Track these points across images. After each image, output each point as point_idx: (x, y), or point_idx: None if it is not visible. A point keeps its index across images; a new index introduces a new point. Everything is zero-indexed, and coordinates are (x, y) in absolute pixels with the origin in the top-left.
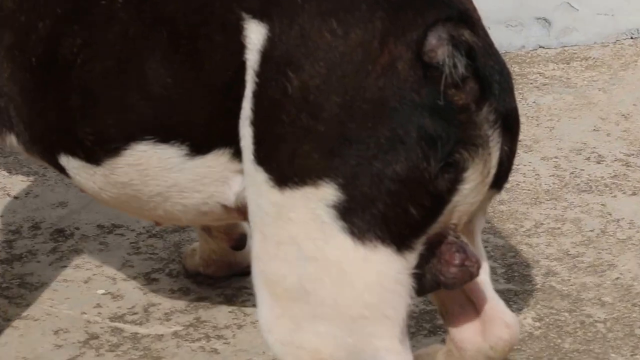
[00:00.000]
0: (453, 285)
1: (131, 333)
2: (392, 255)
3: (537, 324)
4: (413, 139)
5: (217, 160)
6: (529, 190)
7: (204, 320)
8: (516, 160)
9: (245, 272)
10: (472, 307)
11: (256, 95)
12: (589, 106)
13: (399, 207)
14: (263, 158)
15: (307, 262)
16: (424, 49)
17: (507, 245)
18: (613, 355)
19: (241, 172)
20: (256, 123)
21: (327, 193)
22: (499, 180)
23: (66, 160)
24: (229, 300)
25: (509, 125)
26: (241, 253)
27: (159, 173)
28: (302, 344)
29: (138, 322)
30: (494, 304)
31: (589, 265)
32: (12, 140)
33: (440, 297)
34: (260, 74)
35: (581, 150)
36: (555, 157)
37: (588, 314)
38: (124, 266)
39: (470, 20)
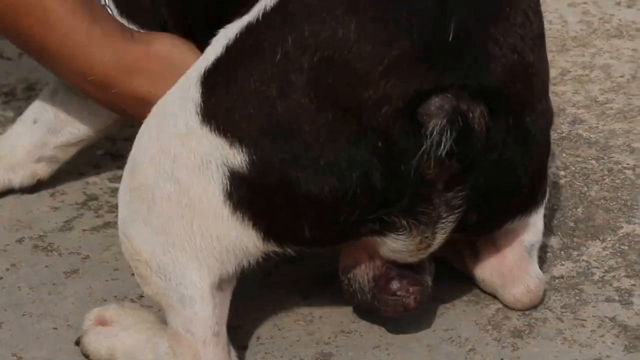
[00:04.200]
0: (386, 314)
1: None
2: (254, 236)
3: (563, 172)
4: (355, 180)
5: None
6: (555, 37)
7: None
8: (542, 7)
9: None
10: (501, 256)
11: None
12: None
13: (290, 220)
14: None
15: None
16: (422, 107)
17: None
18: None
19: None
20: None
21: (232, 157)
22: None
23: None
24: None
25: (494, 204)
26: None
27: None
28: (131, 237)
29: None
30: (523, 265)
31: (618, 111)
32: None
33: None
34: None
35: None
36: (584, 3)
37: (616, 161)
38: (125, 126)
39: (504, 95)
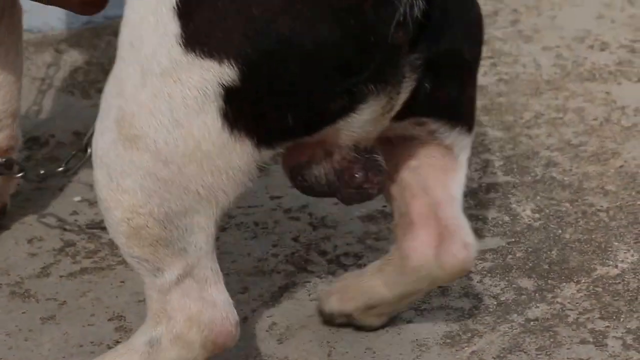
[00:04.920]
0: (349, 203)
1: (109, 240)
2: (250, 149)
3: (537, 215)
4: (328, 55)
5: None
6: (529, 81)
7: None
8: (515, 51)
9: None
10: (433, 217)
11: None
12: None
13: (279, 111)
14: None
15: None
16: None
17: (505, 138)
18: (616, 243)
19: None
20: None
21: (226, 73)
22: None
23: None
24: None
25: (446, 68)
26: None
27: None
28: (128, 190)
29: None
30: (459, 222)
31: (592, 154)
32: None
33: (397, 200)
34: None
35: (584, 38)
36: (557, 46)
37: (590, 204)
38: None
39: None
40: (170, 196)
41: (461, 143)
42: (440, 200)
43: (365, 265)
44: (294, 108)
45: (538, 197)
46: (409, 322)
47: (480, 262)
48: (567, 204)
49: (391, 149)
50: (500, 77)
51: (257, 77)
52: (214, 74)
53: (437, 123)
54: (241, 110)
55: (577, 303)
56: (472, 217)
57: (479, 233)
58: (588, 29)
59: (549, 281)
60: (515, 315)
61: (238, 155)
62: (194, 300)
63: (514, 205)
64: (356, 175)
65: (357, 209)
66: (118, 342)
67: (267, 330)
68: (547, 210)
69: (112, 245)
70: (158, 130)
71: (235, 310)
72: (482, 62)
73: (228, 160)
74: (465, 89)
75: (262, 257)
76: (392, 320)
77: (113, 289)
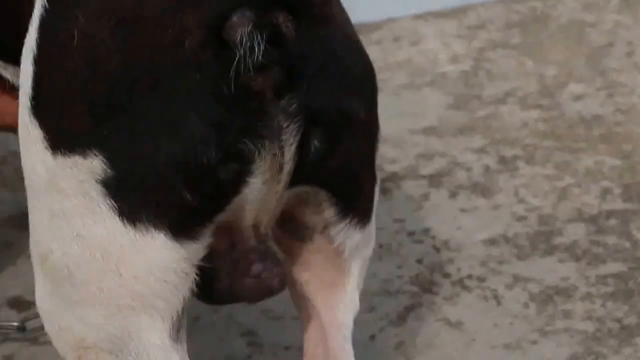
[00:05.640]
0: (250, 299)
1: None
2: (166, 242)
3: None
4: (193, 121)
5: None
6: None
7: None
8: (631, 82)
9: None
10: (322, 347)
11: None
12: None
13: (172, 191)
14: (39, 111)
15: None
16: (225, 25)
17: (624, 166)
18: None
19: None
20: (39, 62)
21: (95, 166)
22: (325, 178)
23: None
24: None
25: (332, 125)
26: None
27: None
28: (67, 327)
29: None
30: (342, 354)
31: None
32: None
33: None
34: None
35: None
36: None
37: None
38: None
39: (302, 6)
40: (106, 320)
41: (352, 242)
42: (327, 327)
43: (488, 288)
44: (186, 184)
45: None
46: (534, 343)
47: (602, 286)
48: None
49: (288, 258)
50: (617, 107)
51: (127, 159)
52: (85, 171)
53: (330, 201)
54: (133, 201)
55: None
56: (593, 243)
57: (600, 258)
58: None
59: None
60: (639, 339)
61: (156, 253)
62: None
63: (634, 232)
64: (255, 263)
65: (480, 233)
66: (250, 357)
67: (394, 349)
68: None
69: None
70: (65, 253)
71: None
72: (598, 93)
73: (147, 260)
74: (360, 160)
75: (388, 278)
76: (517, 342)
77: (244, 306)
